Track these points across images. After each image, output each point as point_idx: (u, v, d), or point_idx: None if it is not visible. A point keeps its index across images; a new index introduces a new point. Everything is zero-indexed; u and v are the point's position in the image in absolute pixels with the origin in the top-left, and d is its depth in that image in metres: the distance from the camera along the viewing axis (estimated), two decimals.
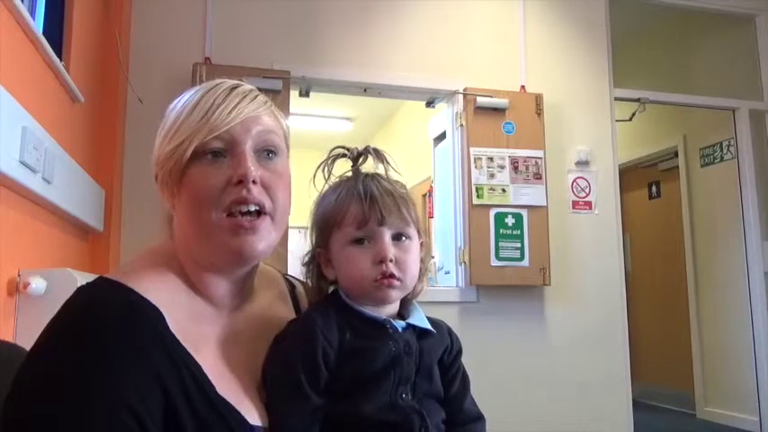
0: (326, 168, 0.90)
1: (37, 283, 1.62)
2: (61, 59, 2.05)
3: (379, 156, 0.90)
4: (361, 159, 0.90)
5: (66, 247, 2.17)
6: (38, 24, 1.91)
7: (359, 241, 0.83)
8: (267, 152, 0.80)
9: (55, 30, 2.11)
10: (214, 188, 0.75)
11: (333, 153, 0.91)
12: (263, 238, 0.77)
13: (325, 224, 0.86)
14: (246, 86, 0.82)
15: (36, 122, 1.64)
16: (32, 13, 1.92)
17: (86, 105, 2.33)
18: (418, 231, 0.87)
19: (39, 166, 1.65)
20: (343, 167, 0.91)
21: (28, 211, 1.73)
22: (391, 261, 0.82)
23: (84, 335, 0.67)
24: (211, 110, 0.76)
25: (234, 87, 0.80)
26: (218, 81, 0.81)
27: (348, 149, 0.91)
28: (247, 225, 0.76)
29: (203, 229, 0.77)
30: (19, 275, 1.63)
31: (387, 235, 0.83)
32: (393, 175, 0.89)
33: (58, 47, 2.08)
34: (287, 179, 0.83)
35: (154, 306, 0.72)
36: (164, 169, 0.78)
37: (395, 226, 0.84)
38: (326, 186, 0.90)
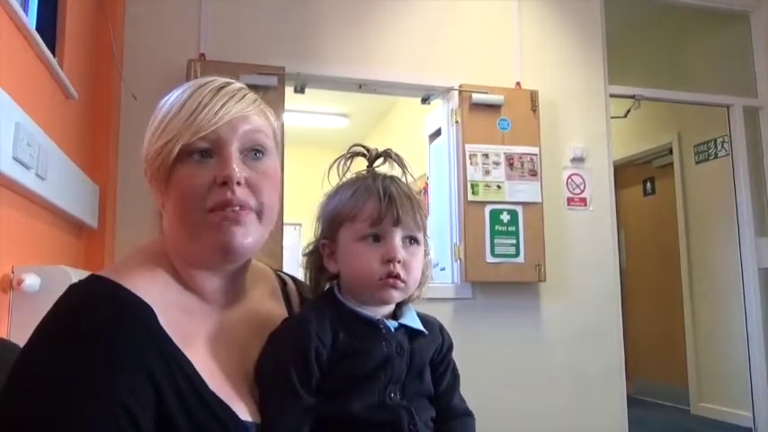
0: (343, 164, 0.90)
1: (31, 280, 1.61)
2: (55, 55, 2.04)
3: (399, 161, 0.91)
4: (378, 161, 0.91)
5: (60, 244, 2.16)
6: (31, 20, 1.90)
7: (370, 238, 0.83)
8: (254, 152, 0.80)
9: (48, 25, 2.09)
10: (199, 188, 0.75)
11: (352, 150, 0.91)
12: (249, 233, 0.77)
13: (337, 217, 0.86)
14: (236, 85, 0.81)
15: (29, 118, 1.63)
16: (25, 8, 1.91)
17: (80, 101, 2.32)
18: (425, 239, 0.88)
19: (32, 162, 1.64)
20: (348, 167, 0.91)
21: (21, 207, 1.72)
22: (399, 262, 0.83)
23: (77, 334, 0.67)
24: (198, 110, 0.76)
25: (222, 86, 0.79)
26: (207, 79, 0.81)
27: (368, 149, 0.91)
28: (231, 216, 0.75)
29: (190, 228, 0.77)
30: (13, 272, 1.63)
31: (398, 236, 0.84)
32: (407, 180, 0.90)
33: (51, 43, 2.07)
34: (275, 179, 0.82)
35: (145, 304, 0.72)
36: (152, 167, 0.78)
37: (408, 228, 0.84)
38: (339, 182, 0.90)
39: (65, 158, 2.03)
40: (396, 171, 0.91)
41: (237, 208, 0.76)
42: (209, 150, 0.76)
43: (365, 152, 0.91)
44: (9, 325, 1.61)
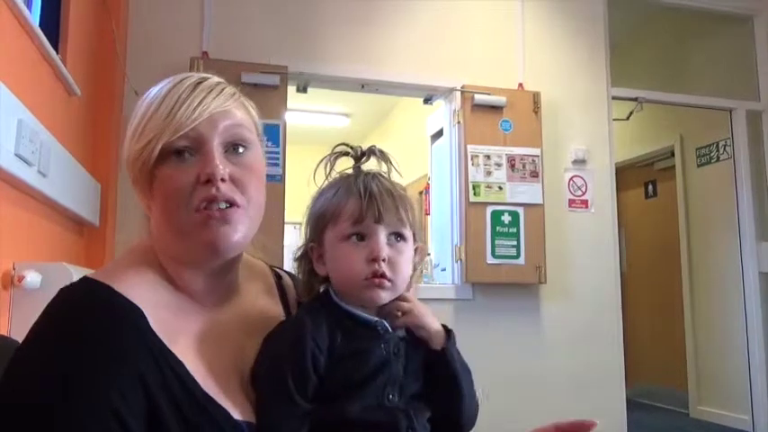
0: (328, 165, 0.89)
1: (32, 277, 1.61)
2: (58, 52, 2.04)
3: (383, 157, 0.89)
4: (363, 159, 0.89)
5: (61, 241, 2.16)
6: (34, 17, 1.90)
7: (353, 237, 0.82)
8: (237, 147, 0.78)
9: (52, 22, 2.09)
10: (183, 188, 0.74)
11: (336, 150, 0.90)
12: (237, 230, 0.75)
13: (321, 219, 0.85)
14: (213, 80, 0.79)
15: (32, 115, 1.64)
16: (29, 5, 1.91)
17: (83, 99, 2.32)
18: (414, 235, 0.86)
19: (34, 159, 1.64)
20: (343, 166, 0.90)
21: (23, 204, 1.73)
22: (384, 261, 0.81)
23: (68, 338, 0.67)
24: (176, 107, 0.74)
25: (200, 82, 0.77)
26: (184, 75, 0.79)
27: (352, 148, 0.90)
28: (218, 215, 0.74)
29: (177, 229, 0.76)
30: (14, 269, 1.63)
31: (382, 234, 0.82)
32: (395, 177, 0.88)
33: (54, 40, 2.07)
34: (259, 173, 0.80)
35: (136, 306, 0.71)
36: (134, 169, 0.77)
37: (391, 225, 0.83)
38: (326, 183, 0.88)
39: (67, 155, 2.03)
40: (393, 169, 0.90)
41: (224, 206, 0.74)
42: (191, 148, 0.75)
43: (349, 150, 0.89)
44: (10, 322, 1.62)
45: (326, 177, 0.89)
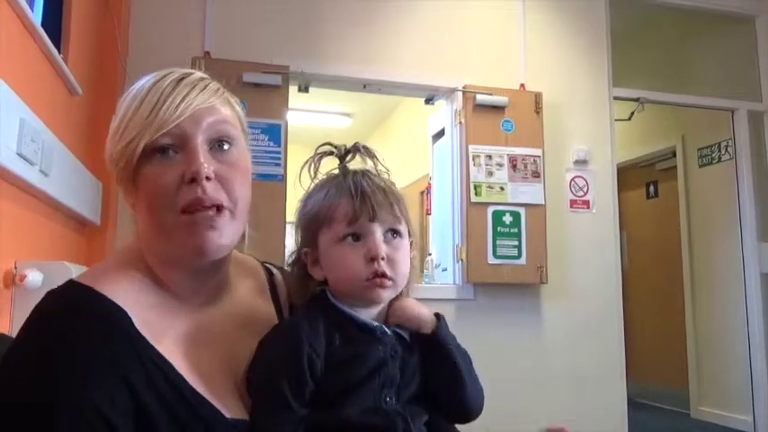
0: (312, 166, 0.88)
1: (33, 276, 1.61)
2: (60, 52, 2.04)
3: (368, 153, 0.88)
4: (348, 157, 0.88)
5: (62, 240, 2.17)
6: (36, 16, 1.90)
7: (350, 238, 0.81)
8: (221, 143, 0.76)
9: (54, 22, 2.09)
10: (168, 188, 0.72)
11: (319, 150, 0.88)
12: (223, 234, 0.74)
13: (313, 222, 0.84)
14: (196, 75, 0.78)
15: (34, 115, 1.64)
16: (31, 4, 1.91)
17: (84, 98, 2.32)
18: (408, 230, 0.85)
19: (36, 158, 1.64)
20: (329, 166, 0.89)
21: (25, 203, 1.73)
22: (383, 259, 0.80)
23: (52, 342, 0.67)
24: (158, 105, 0.72)
25: (182, 78, 0.76)
26: (166, 71, 0.77)
27: (335, 147, 0.88)
28: (204, 219, 0.73)
29: (161, 230, 0.74)
30: (15, 268, 1.63)
31: (378, 231, 0.81)
32: (382, 173, 0.87)
33: (56, 39, 2.07)
34: (244, 169, 0.79)
35: (121, 309, 0.71)
36: (117, 168, 0.75)
37: (387, 222, 0.82)
38: (312, 184, 0.87)
39: (68, 155, 2.03)
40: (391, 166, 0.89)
41: (211, 212, 0.73)
42: (174, 146, 0.73)
43: (333, 149, 0.88)
44: (11, 321, 1.62)
45: (312, 179, 0.87)
